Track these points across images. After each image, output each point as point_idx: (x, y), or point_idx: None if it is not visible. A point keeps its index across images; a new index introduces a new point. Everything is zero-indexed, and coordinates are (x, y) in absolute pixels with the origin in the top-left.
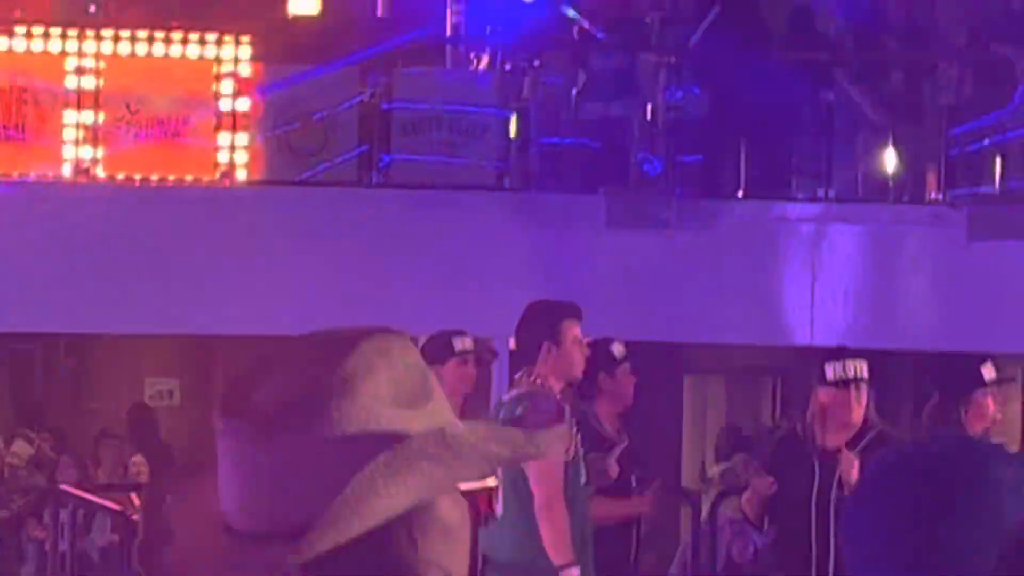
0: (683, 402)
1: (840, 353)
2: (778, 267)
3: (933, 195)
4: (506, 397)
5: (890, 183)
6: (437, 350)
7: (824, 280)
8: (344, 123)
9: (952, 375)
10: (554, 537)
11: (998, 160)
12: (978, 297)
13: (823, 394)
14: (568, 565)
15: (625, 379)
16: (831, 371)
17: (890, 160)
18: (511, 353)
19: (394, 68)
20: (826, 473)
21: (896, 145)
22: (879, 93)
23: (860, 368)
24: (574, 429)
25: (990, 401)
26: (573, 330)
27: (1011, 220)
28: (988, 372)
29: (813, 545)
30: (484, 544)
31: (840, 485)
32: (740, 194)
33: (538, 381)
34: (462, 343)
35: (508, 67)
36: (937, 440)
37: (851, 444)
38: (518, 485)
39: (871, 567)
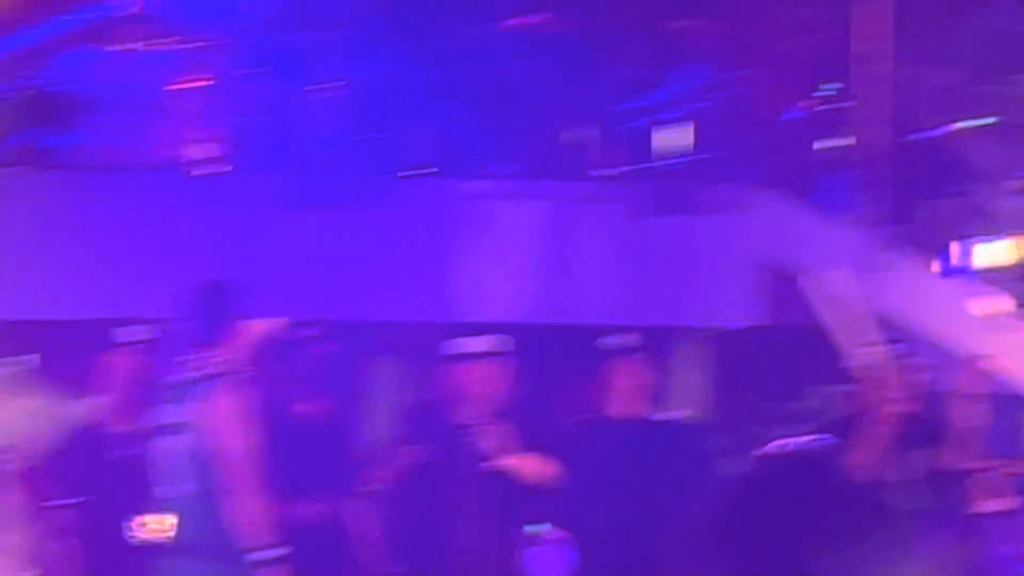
0: None
1: (477, 328)
2: (451, 244)
3: (602, 171)
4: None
5: (560, 159)
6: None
7: (496, 257)
8: (10, 104)
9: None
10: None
11: (669, 135)
12: (647, 272)
13: (459, 368)
14: None
15: None
16: (457, 346)
17: (559, 136)
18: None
19: (68, 46)
20: (462, 445)
21: (565, 121)
22: (548, 69)
23: (496, 343)
24: None
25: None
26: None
27: (678, 196)
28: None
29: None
30: None
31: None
32: (415, 171)
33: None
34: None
35: (190, 46)
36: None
37: (490, 417)
38: None
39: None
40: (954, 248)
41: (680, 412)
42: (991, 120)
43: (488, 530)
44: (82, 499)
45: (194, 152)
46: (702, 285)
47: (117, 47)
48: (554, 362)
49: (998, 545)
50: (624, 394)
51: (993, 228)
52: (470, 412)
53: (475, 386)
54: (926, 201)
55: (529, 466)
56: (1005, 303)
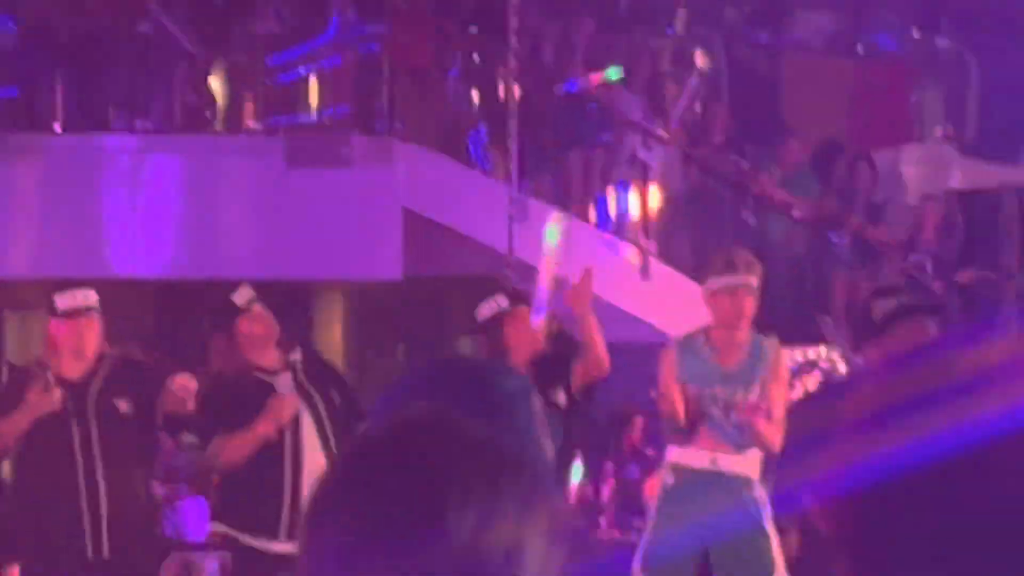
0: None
1: (69, 284)
2: (99, 200)
3: (250, 124)
4: None
5: (207, 113)
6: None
7: (145, 212)
8: None
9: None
10: None
11: (313, 89)
12: (297, 225)
13: (54, 324)
14: None
15: None
16: (61, 301)
17: (207, 90)
18: None
19: None
20: (71, 402)
21: (213, 74)
22: (195, 23)
23: (88, 297)
24: None
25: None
26: None
27: (326, 149)
28: (240, 296)
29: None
30: None
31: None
32: (57, 127)
33: None
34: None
35: None
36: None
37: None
38: None
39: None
40: (593, 198)
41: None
42: (621, 73)
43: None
44: None
45: None
46: (348, 237)
47: None
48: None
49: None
50: (256, 346)
51: (628, 178)
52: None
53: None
54: (566, 152)
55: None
56: (640, 251)
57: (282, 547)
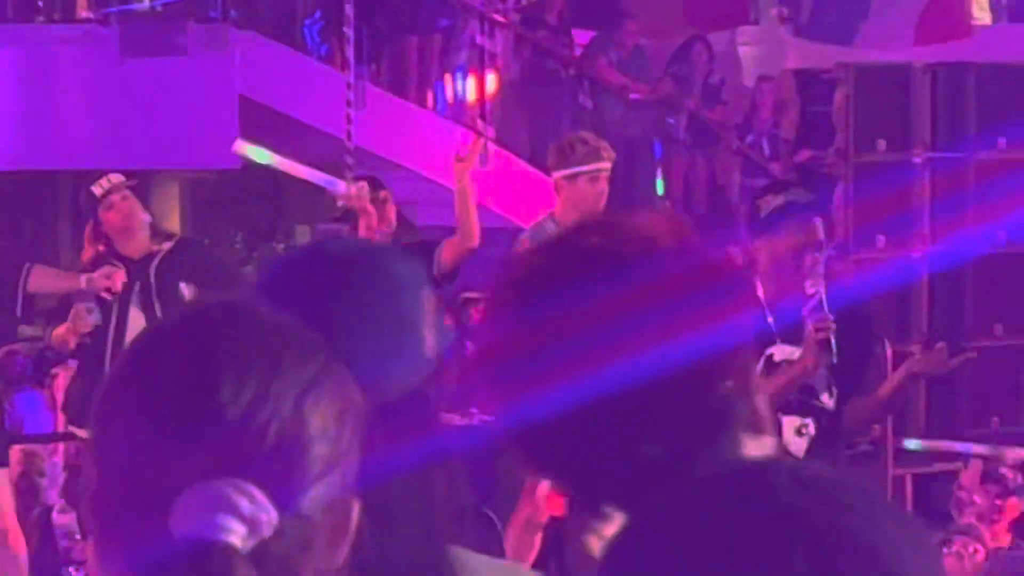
0: None
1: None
2: None
3: (84, 14)
4: None
5: (40, 2)
6: None
7: None
8: None
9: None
10: None
11: None
12: (132, 115)
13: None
14: None
15: None
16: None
17: None
18: None
19: None
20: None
21: None
22: None
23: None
24: None
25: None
26: None
27: (161, 37)
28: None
29: None
30: None
31: None
32: None
33: None
34: None
35: None
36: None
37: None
38: None
39: None
40: (431, 84)
41: None
42: None
43: None
44: None
45: None
46: (184, 126)
47: None
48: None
49: None
50: (118, 235)
51: (466, 64)
52: None
53: None
54: (404, 38)
55: None
56: (478, 136)
57: None
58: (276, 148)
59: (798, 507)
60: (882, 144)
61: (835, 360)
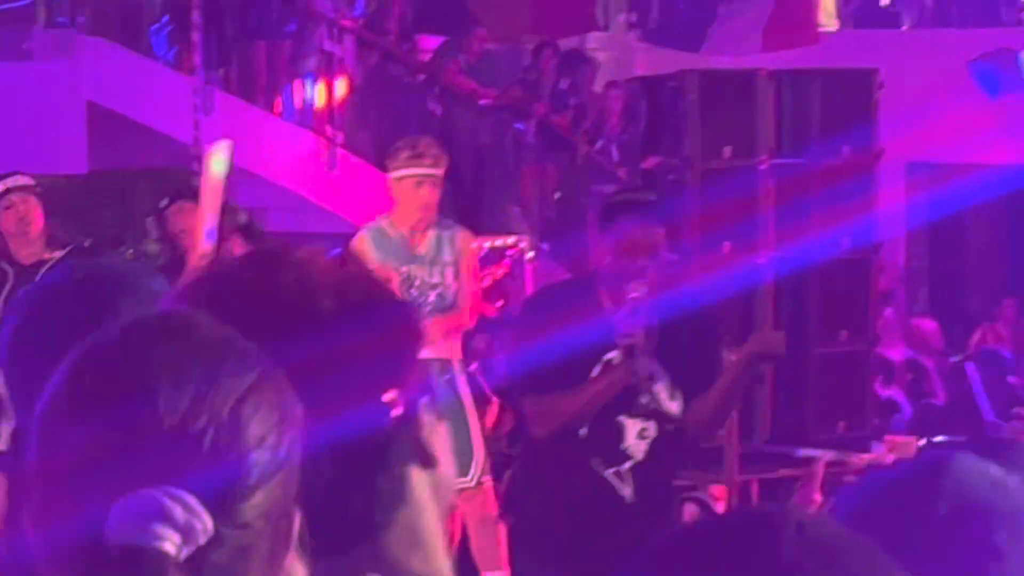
0: None
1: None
2: None
3: None
4: None
5: None
6: None
7: None
8: None
9: None
10: None
11: None
12: None
13: None
14: None
15: None
16: None
17: None
18: None
19: None
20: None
21: None
22: None
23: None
24: None
25: None
26: None
27: (7, 42)
28: None
29: None
30: None
31: None
32: None
33: None
34: None
35: None
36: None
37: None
38: None
39: None
40: (279, 89)
41: None
42: None
43: None
44: None
45: None
46: (30, 131)
47: None
48: None
49: None
50: (12, 239)
51: (315, 69)
52: None
53: None
54: (251, 43)
55: None
56: (326, 142)
57: None
58: (124, 153)
59: (799, 568)
60: (728, 151)
61: (655, 366)
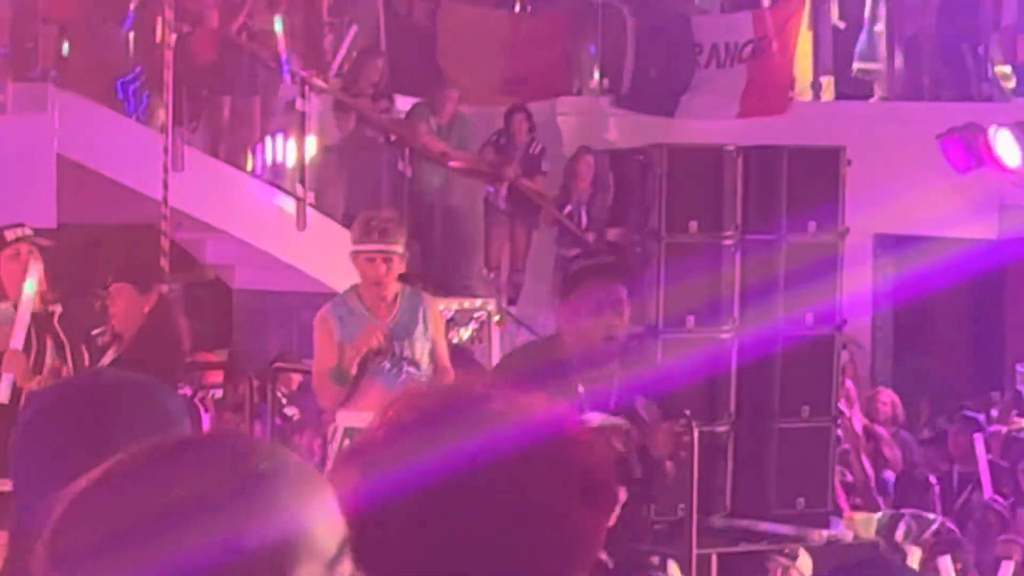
0: None
1: None
2: None
3: None
4: None
5: None
6: None
7: None
8: None
9: None
10: None
11: None
12: None
13: None
14: None
15: None
16: None
17: None
18: None
19: None
20: None
21: None
22: None
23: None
24: None
25: None
26: None
27: None
28: None
29: None
30: None
31: None
32: None
33: None
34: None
35: None
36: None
37: None
38: None
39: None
40: (250, 146)
41: None
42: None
43: None
44: None
45: None
46: (2, 184)
47: None
48: None
49: None
50: None
51: (286, 127)
52: None
53: None
54: (222, 100)
55: None
56: (296, 200)
57: None
58: (93, 207)
59: None
60: (694, 225)
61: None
